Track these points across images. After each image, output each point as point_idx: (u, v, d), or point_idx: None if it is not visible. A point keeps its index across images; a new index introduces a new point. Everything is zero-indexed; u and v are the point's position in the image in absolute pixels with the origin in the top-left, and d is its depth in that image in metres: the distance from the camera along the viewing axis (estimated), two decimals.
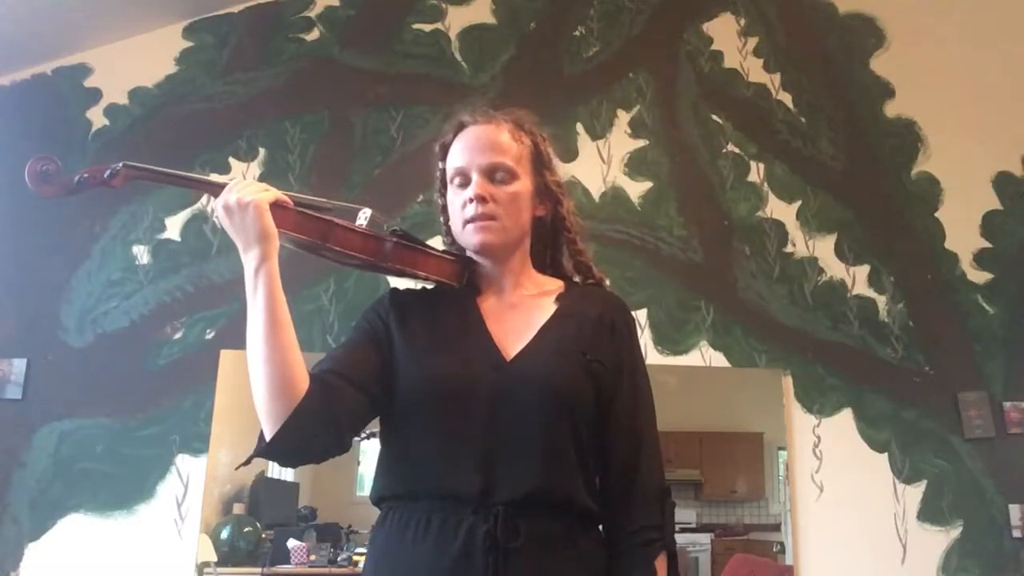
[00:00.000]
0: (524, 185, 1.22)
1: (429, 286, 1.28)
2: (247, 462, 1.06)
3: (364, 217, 1.22)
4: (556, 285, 1.26)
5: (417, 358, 1.16)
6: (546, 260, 1.30)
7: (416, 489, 1.10)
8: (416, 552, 1.07)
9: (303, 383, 1.05)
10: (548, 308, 1.20)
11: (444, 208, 1.28)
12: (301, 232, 1.14)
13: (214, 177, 1.19)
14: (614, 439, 1.16)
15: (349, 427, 1.12)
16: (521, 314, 1.20)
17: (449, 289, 1.23)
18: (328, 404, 1.07)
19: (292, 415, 1.03)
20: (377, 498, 1.16)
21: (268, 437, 1.04)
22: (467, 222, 1.19)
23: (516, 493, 1.06)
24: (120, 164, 1.17)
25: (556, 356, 1.14)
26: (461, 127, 1.25)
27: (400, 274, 1.22)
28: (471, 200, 1.18)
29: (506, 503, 1.06)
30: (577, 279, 1.30)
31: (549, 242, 1.30)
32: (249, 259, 1.07)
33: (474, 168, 1.20)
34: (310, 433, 1.06)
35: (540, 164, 1.26)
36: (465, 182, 1.21)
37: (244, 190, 1.08)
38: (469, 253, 1.24)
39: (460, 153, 1.22)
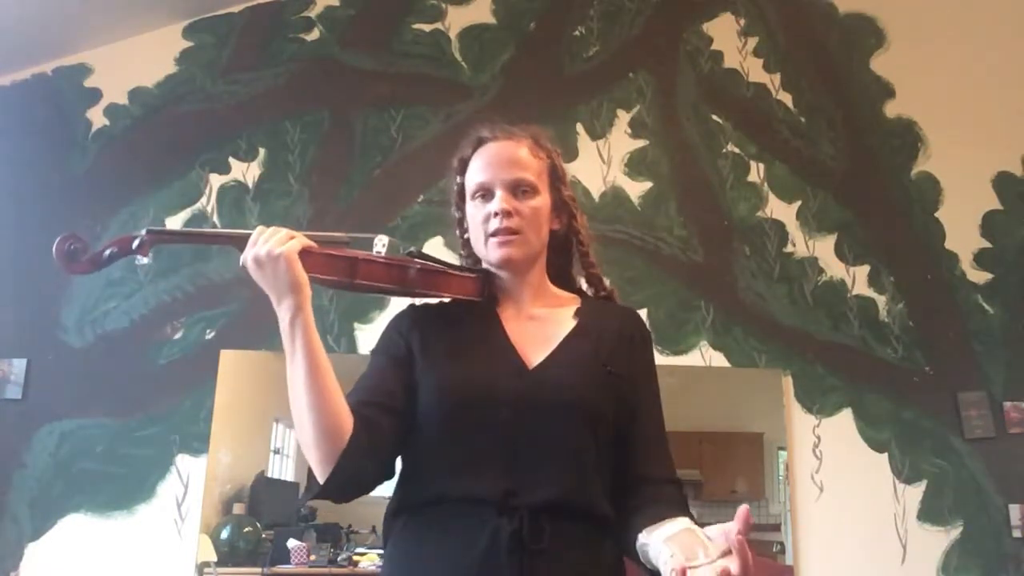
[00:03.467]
0: (544, 200, 1.25)
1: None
2: (303, 503, 1.11)
3: (382, 245, 1.23)
4: (571, 299, 1.29)
5: (438, 369, 1.17)
6: (557, 272, 1.32)
7: (440, 494, 1.11)
8: (439, 552, 1.08)
9: (348, 425, 1.08)
10: (567, 322, 1.23)
11: (461, 221, 1.30)
12: (330, 274, 1.17)
13: (232, 230, 1.21)
14: (634, 446, 1.19)
15: (392, 453, 1.16)
16: (541, 326, 1.22)
17: (469, 302, 1.25)
18: (370, 438, 1.10)
19: (342, 457, 1.06)
20: (396, 509, 1.16)
21: (321, 479, 1.07)
22: (490, 236, 1.20)
23: (539, 498, 1.08)
24: (144, 232, 1.19)
25: (578, 367, 1.17)
26: (480, 142, 1.27)
27: (425, 297, 1.25)
28: (495, 214, 1.20)
29: (529, 506, 1.07)
30: (588, 291, 1.33)
31: (561, 255, 1.32)
32: (283, 310, 1.09)
33: (498, 183, 1.22)
34: (360, 470, 1.10)
35: (556, 180, 1.28)
36: (488, 197, 1.22)
37: (272, 242, 1.09)
38: (486, 265, 1.26)
39: (482, 168, 1.24)
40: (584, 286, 1.34)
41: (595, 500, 1.12)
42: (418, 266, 1.20)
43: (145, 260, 1.21)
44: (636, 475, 1.17)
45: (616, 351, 1.20)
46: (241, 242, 1.13)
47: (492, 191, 1.22)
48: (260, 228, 1.12)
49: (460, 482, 1.10)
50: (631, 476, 1.18)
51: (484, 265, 1.26)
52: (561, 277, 1.32)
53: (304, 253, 1.11)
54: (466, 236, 1.29)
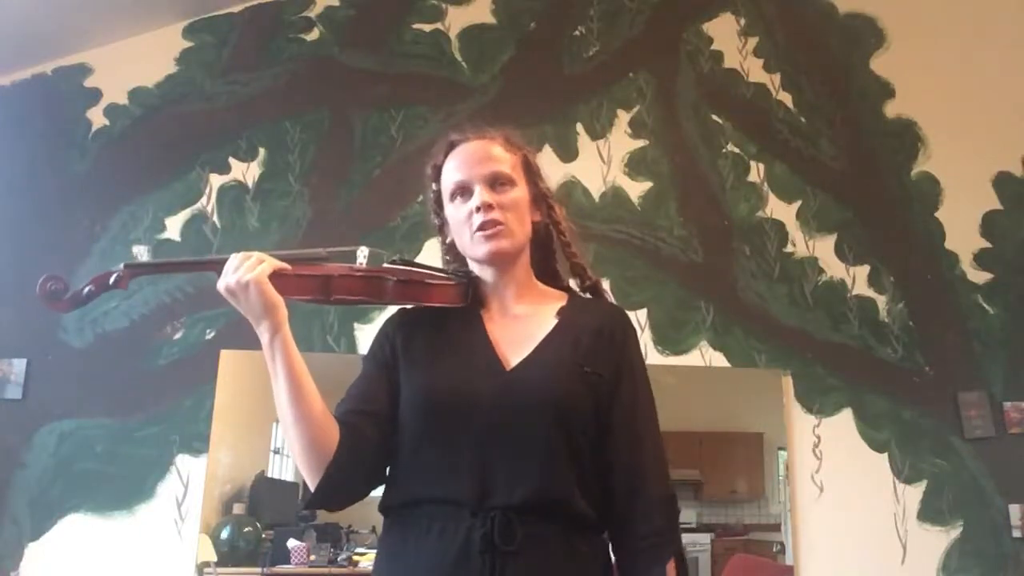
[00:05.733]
0: (523, 191, 1.26)
1: None
2: (300, 511, 1.18)
3: (363, 256, 1.25)
4: (557, 295, 1.29)
5: (419, 371, 1.19)
6: (543, 269, 1.33)
7: (418, 496, 1.13)
8: (418, 555, 1.10)
9: (333, 435, 1.13)
10: (549, 321, 1.23)
11: (442, 227, 1.31)
12: (304, 294, 1.20)
13: (207, 257, 1.23)
14: (616, 448, 1.18)
15: (380, 460, 1.19)
16: (523, 326, 1.22)
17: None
18: (357, 446, 1.14)
19: (329, 467, 1.11)
20: (384, 508, 1.19)
21: (312, 489, 1.13)
22: (476, 231, 1.21)
23: (513, 498, 1.08)
24: (122, 266, 1.24)
25: (555, 368, 1.17)
26: (452, 146, 1.28)
27: (408, 305, 1.27)
28: (477, 209, 1.20)
29: (503, 507, 1.08)
30: (574, 283, 1.33)
31: (545, 250, 1.33)
32: (262, 332, 1.13)
33: (475, 179, 1.22)
34: (346, 480, 1.14)
35: (532, 173, 1.29)
36: (467, 195, 1.23)
37: (241, 269, 1.12)
38: (473, 265, 1.27)
39: (458, 168, 1.25)
40: (570, 280, 1.34)
41: (570, 500, 1.12)
42: (394, 278, 1.21)
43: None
44: (624, 489, 1.16)
45: (595, 350, 1.20)
46: (218, 266, 1.16)
47: (470, 188, 1.22)
48: (233, 255, 1.15)
49: (436, 485, 1.12)
50: (619, 484, 1.17)
51: (471, 265, 1.27)
52: (548, 274, 1.33)
53: (276, 276, 1.14)
54: (448, 241, 1.30)
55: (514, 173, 1.25)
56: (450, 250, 1.32)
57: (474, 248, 1.22)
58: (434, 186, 1.30)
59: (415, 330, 1.25)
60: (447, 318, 1.25)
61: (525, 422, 1.12)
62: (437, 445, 1.13)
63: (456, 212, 1.24)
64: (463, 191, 1.23)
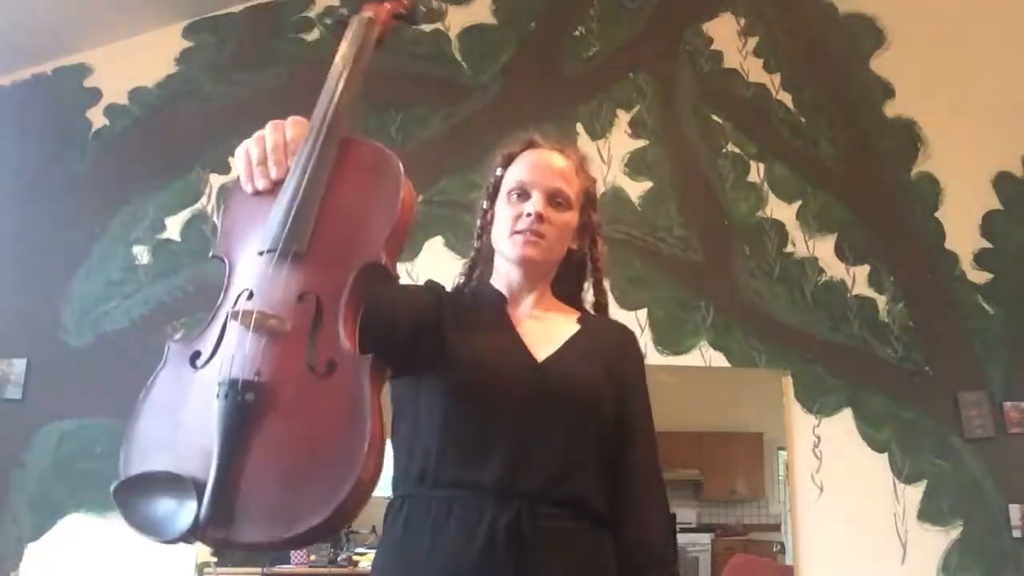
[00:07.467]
0: (574, 217, 1.29)
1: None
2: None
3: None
4: (572, 310, 1.32)
5: (459, 345, 1.18)
6: (568, 296, 1.35)
7: (440, 475, 1.12)
8: (439, 540, 1.08)
9: None
10: (571, 325, 1.27)
11: (485, 214, 1.33)
12: None
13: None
14: (631, 457, 1.21)
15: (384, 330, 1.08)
16: (545, 325, 1.26)
17: (483, 294, 1.29)
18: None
19: None
20: (398, 481, 1.17)
21: None
22: (517, 233, 1.24)
23: (535, 485, 1.10)
24: None
25: (584, 364, 1.20)
26: (531, 144, 1.32)
27: None
28: (528, 215, 1.23)
29: (526, 494, 1.09)
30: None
31: (573, 276, 1.35)
32: None
33: (538, 187, 1.25)
34: None
35: (589, 203, 1.33)
36: (524, 196, 1.26)
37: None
38: (499, 260, 1.29)
39: (527, 169, 1.28)
40: (590, 310, 1.36)
41: (590, 494, 1.14)
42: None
43: None
44: (636, 498, 1.19)
45: (615, 356, 1.25)
46: None
47: (529, 193, 1.25)
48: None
49: (461, 466, 1.11)
50: (630, 494, 1.19)
51: (496, 260, 1.29)
52: (568, 297, 1.34)
53: None
54: (486, 229, 1.32)
55: (574, 198, 1.28)
56: (480, 236, 1.33)
57: (508, 247, 1.25)
58: (499, 171, 1.32)
59: (451, 310, 1.24)
60: (474, 305, 1.28)
61: (556, 413, 1.14)
62: (465, 430, 1.13)
63: (508, 207, 1.26)
64: (522, 191, 1.26)
